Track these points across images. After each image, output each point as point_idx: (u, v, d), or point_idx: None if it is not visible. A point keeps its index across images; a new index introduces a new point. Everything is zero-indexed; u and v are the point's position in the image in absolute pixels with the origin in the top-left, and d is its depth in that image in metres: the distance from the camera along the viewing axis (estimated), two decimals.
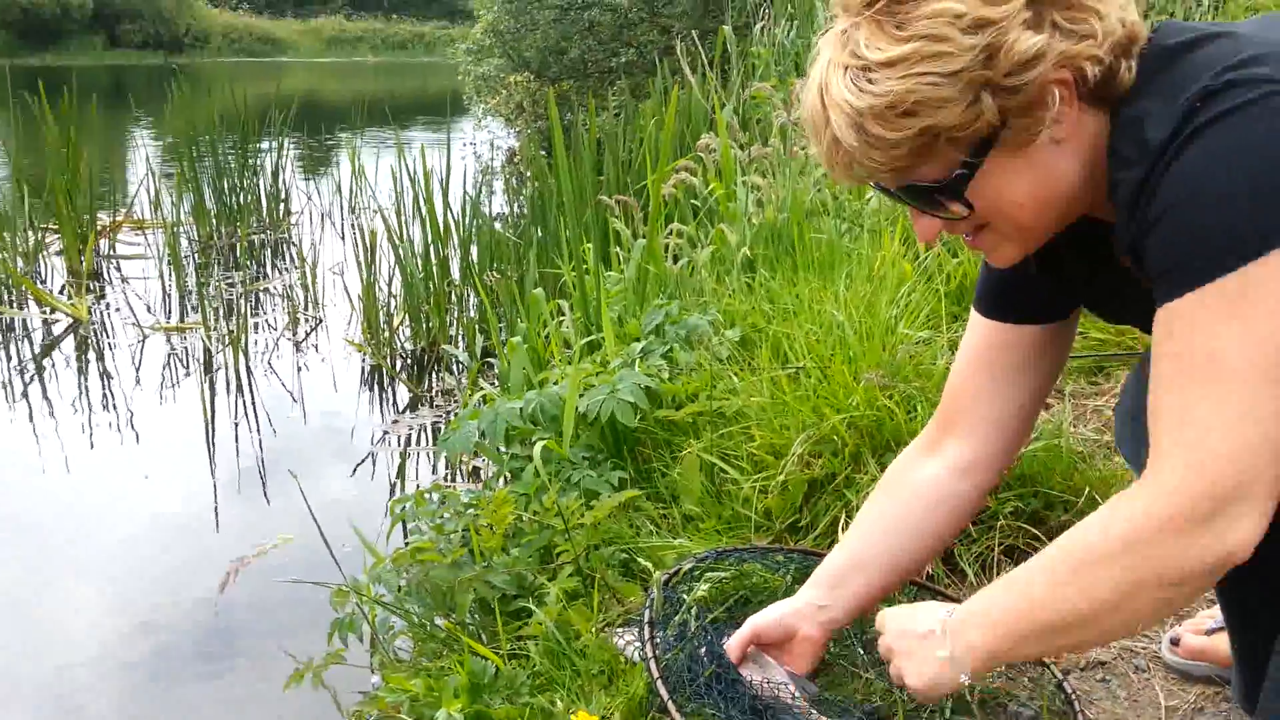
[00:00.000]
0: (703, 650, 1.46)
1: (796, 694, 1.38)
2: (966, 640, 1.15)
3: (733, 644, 1.42)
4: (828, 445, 1.97)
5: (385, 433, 3.72)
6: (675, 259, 3.21)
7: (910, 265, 2.65)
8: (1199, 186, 0.95)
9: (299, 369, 4.37)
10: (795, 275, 2.84)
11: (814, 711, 1.37)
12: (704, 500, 2.05)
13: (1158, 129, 0.99)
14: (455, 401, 3.90)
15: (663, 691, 1.34)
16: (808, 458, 1.97)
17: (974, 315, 1.36)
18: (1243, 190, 0.93)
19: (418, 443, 3.64)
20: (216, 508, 3.17)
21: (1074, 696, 1.49)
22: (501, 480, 2.31)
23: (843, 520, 1.84)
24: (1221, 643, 1.52)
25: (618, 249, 3.41)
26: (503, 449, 2.38)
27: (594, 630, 1.65)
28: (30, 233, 5.80)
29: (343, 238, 6.33)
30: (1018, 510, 1.87)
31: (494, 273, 4.02)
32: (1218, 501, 0.95)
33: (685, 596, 1.59)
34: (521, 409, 2.29)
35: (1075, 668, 1.60)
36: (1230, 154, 0.94)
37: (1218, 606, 1.57)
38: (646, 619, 1.48)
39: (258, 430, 3.73)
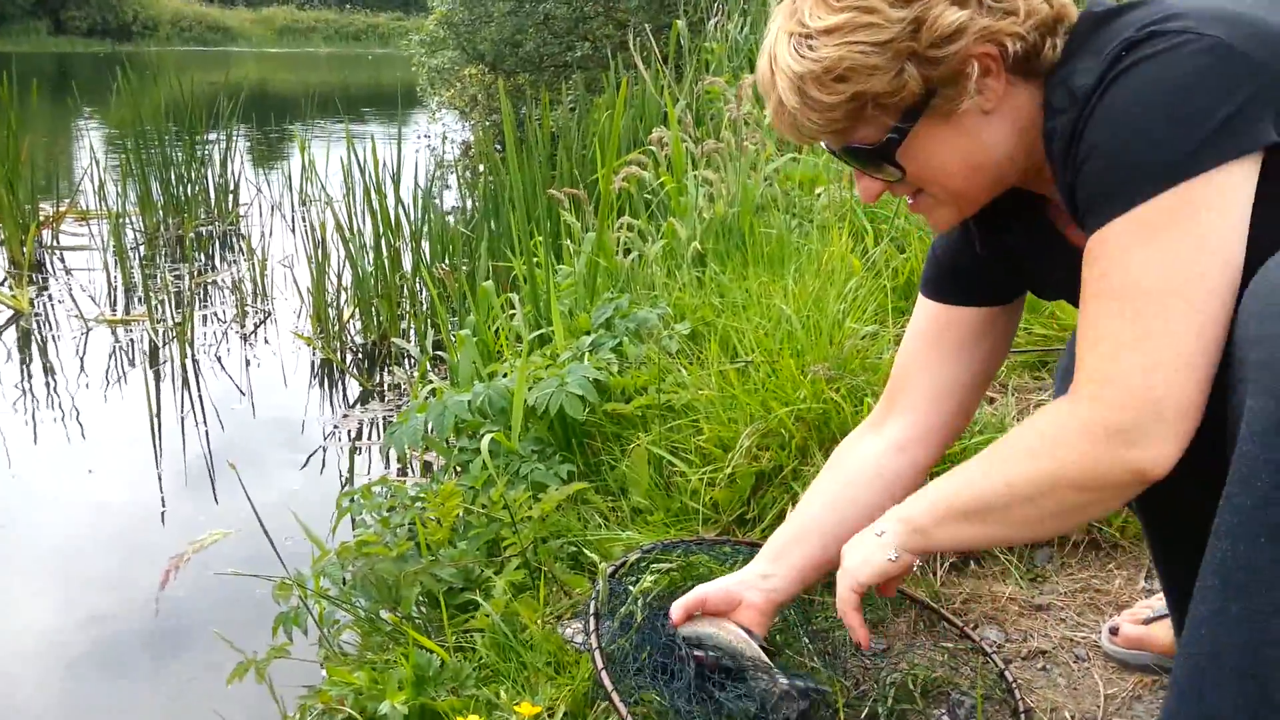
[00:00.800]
0: (647, 638, 1.47)
1: (750, 646, 1.39)
2: (899, 514, 1.23)
3: (677, 605, 1.44)
4: (775, 438, 1.98)
5: (335, 427, 3.69)
6: (626, 253, 3.21)
7: (858, 261, 2.67)
8: (1119, 120, 1.01)
9: (247, 362, 4.31)
10: (745, 270, 2.86)
11: (765, 672, 1.38)
12: (652, 493, 2.05)
13: (1085, 78, 1.05)
14: (406, 395, 3.87)
15: (606, 681, 1.35)
16: (755, 450, 1.98)
17: (920, 299, 1.42)
18: (1159, 121, 0.99)
19: (368, 437, 3.62)
20: (163, 502, 3.12)
21: (1015, 684, 1.52)
22: (450, 474, 2.30)
23: (789, 513, 1.85)
24: (1159, 632, 1.56)
25: (569, 242, 3.40)
26: (452, 441, 2.37)
27: (541, 622, 1.65)
28: None
29: (293, 230, 6.26)
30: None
31: (444, 266, 3.99)
32: (1133, 415, 0.99)
33: (632, 588, 1.60)
34: (470, 402, 2.29)
35: (1017, 657, 1.63)
36: (1148, 89, 1.00)
37: (1155, 597, 1.61)
38: (592, 610, 1.49)
39: (205, 424, 3.68)
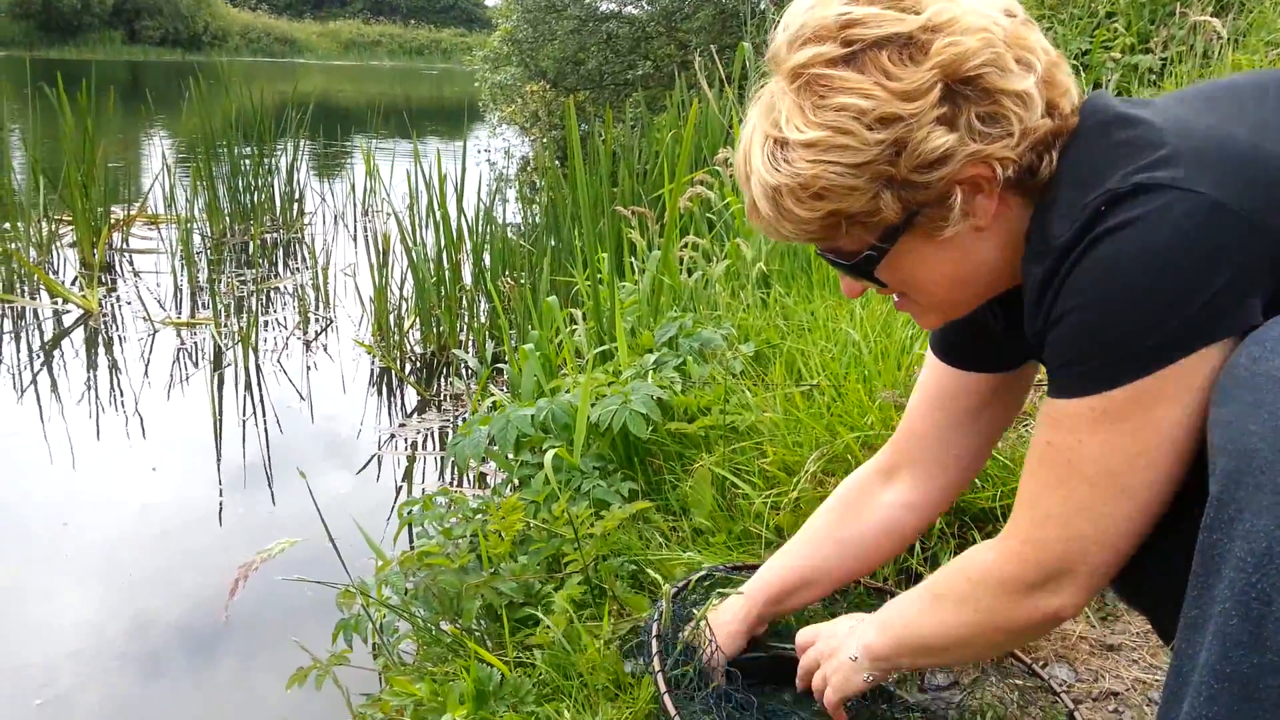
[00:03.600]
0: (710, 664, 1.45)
1: None
2: (865, 641, 1.29)
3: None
4: (841, 464, 1.96)
5: (392, 435, 3.71)
6: (690, 272, 3.20)
7: None
8: (1093, 296, 0.96)
9: (308, 368, 4.36)
10: (810, 292, 2.84)
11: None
12: (715, 514, 2.03)
13: (1062, 227, 0.99)
14: (463, 406, 3.89)
15: (669, 705, 1.33)
16: (820, 475, 1.96)
17: (929, 357, 1.38)
18: (1133, 307, 0.94)
19: (424, 446, 3.63)
20: (221, 504, 3.16)
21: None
22: (510, 487, 2.30)
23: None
24: None
25: (632, 259, 3.40)
26: (512, 456, 2.37)
27: (603, 642, 1.63)
28: (44, 223, 5.81)
29: (355, 239, 6.35)
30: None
31: (508, 279, 4.01)
32: (1046, 574, 1.07)
33: (695, 610, 1.58)
34: (533, 416, 2.29)
35: (1087, 698, 1.58)
36: (1125, 265, 0.94)
37: None
38: (654, 631, 1.47)
39: (265, 428, 3.72)
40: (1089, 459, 1.01)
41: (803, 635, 1.43)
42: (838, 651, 1.34)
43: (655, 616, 1.51)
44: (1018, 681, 1.58)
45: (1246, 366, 0.90)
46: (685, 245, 3.24)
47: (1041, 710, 1.53)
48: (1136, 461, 0.99)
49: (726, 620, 1.50)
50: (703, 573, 1.66)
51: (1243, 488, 0.87)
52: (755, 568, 1.70)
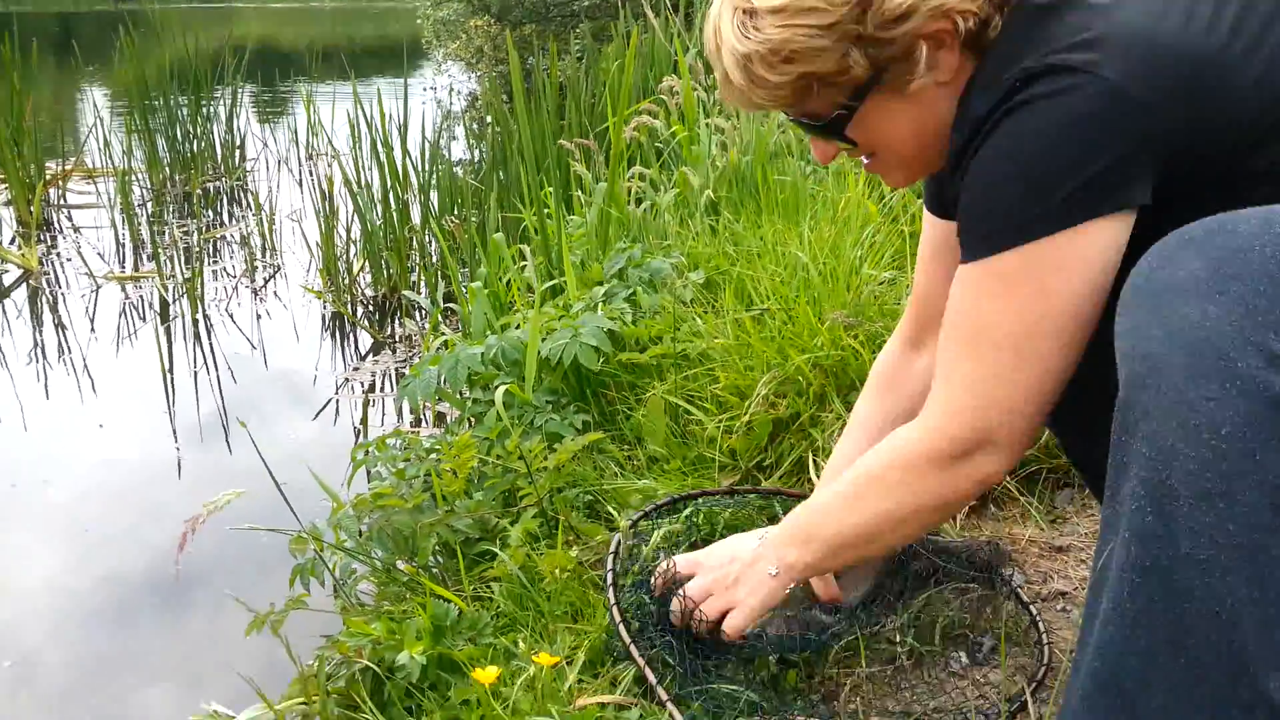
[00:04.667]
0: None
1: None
2: (787, 559, 1.29)
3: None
4: (792, 385, 1.96)
5: (347, 379, 3.68)
6: (638, 202, 3.17)
7: (875, 206, 2.63)
8: (988, 169, 1.04)
9: (258, 316, 4.30)
10: (759, 217, 2.83)
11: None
12: (669, 442, 2.04)
13: (980, 99, 1.06)
14: (417, 347, 3.86)
15: (624, 634, 1.34)
16: (772, 398, 1.96)
17: (926, 214, 1.43)
18: (1019, 179, 1.02)
19: (381, 389, 3.61)
20: (178, 457, 3.12)
21: (1038, 619, 1.51)
22: (464, 425, 2.29)
23: (811, 459, 1.84)
24: None
25: (579, 193, 3.36)
26: (465, 394, 2.36)
27: (559, 572, 1.64)
28: None
29: (300, 185, 6.22)
30: None
31: (453, 218, 3.95)
32: (968, 444, 1.11)
33: (651, 539, 1.59)
34: (483, 354, 2.27)
35: (1037, 598, 1.61)
36: (1021, 142, 1.01)
37: None
38: (610, 565, 1.48)
39: (218, 379, 3.67)
40: (992, 324, 1.06)
41: (682, 563, 1.41)
42: (744, 575, 1.32)
43: (614, 548, 1.52)
44: (965, 585, 1.61)
45: (1145, 275, 0.93)
46: (633, 176, 3.21)
47: (992, 612, 1.56)
48: (1037, 328, 1.04)
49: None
50: (664, 501, 1.66)
51: (1145, 390, 0.90)
52: (713, 493, 1.71)
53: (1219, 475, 0.85)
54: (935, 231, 1.42)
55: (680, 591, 1.37)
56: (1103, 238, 1.01)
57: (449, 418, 3.08)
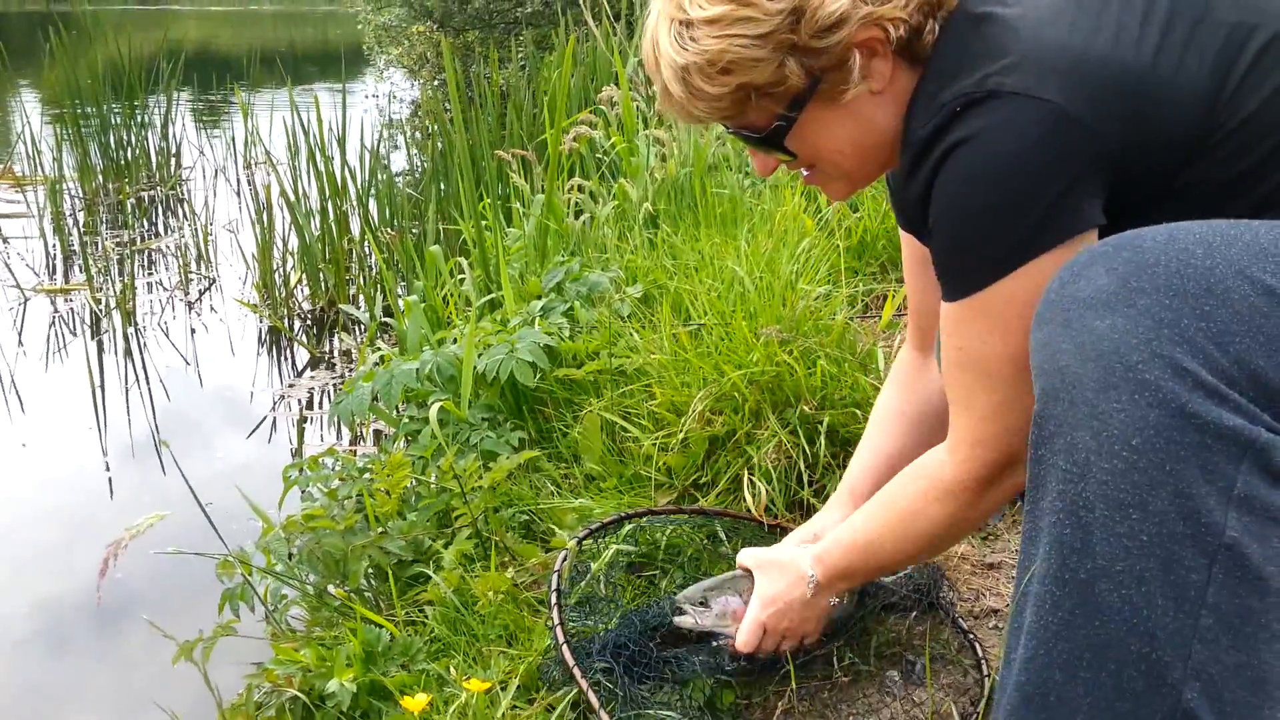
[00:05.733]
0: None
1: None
2: (831, 571, 1.34)
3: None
4: (728, 402, 1.96)
5: (283, 395, 3.62)
6: (577, 215, 3.16)
7: (811, 221, 2.65)
8: (951, 213, 1.07)
9: (192, 330, 4.21)
10: (698, 231, 2.83)
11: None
12: (605, 459, 2.03)
13: (920, 120, 1.09)
14: (355, 362, 3.81)
15: (567, 656, 1.33)
16: (709, 415, 1.96)
17: (901, 232, 1.48)
18: (986, 214, 1.04)
19: (318, 405, 3.55)
20: (109, 476, 3.05)
21: (970, 634, 1.53)
22: (399, 444, 2.26)
23: (746, 477, 1.84)
24: None
25: (519, 205, 3.34)
26: (401, 410, 2.33)
27: (494, 594, 1.62)
28: None
29: (238, 194, 6.12)
30: None
31: (390, 230, 3.91)
32: (1001, 466, 1.14)
33: (592, 564, 1.58)
34: (418, 369, 2.24)
35: (969, 615, 1.63)
36: (978, 173, 1.03)
37: None
38: (554, 585, 1.47)
39: (150, 395, 3.59)
40: (989, 356, 1.08)
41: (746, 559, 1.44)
42: (810, 614, 1.38)
43: (556, 569, 1.51)
44: (900, 604, 1.62)
45: (1056, 291, 0.95)
46: (572, 188, 3.20)
47: (925, 631, 1.58)
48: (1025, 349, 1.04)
49: (822, 522, 1.50)
50: (611, 519, 1.65)
51: (1059, 403, 0.92)
52: (658, 512, 1.70)
53: (1131, 485, 0.87)
54: (912, 248, 1.46)
55: (692, 603, 1.42)
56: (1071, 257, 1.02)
57: (387, 437, 3.05)
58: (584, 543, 1.59)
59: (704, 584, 1.44)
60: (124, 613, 2.40)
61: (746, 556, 1.43)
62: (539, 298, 2.54)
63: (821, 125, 1.15)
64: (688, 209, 3.02)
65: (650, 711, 1.32)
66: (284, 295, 4.36)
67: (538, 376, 2.19)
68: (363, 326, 4.09)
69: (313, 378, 3.75)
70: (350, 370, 3.74)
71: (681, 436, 1.93)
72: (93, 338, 4.12)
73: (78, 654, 2.30)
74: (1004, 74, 1.01)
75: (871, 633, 1.56)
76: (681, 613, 1.42)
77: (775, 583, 1.37)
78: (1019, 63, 1.02)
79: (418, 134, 7.70)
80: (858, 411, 1.92)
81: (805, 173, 1.25)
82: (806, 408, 1.91)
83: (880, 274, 2.83)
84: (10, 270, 4.88)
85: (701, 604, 1.42)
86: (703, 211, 2.92)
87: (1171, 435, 0.86)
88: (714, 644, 1.42)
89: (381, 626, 1.60)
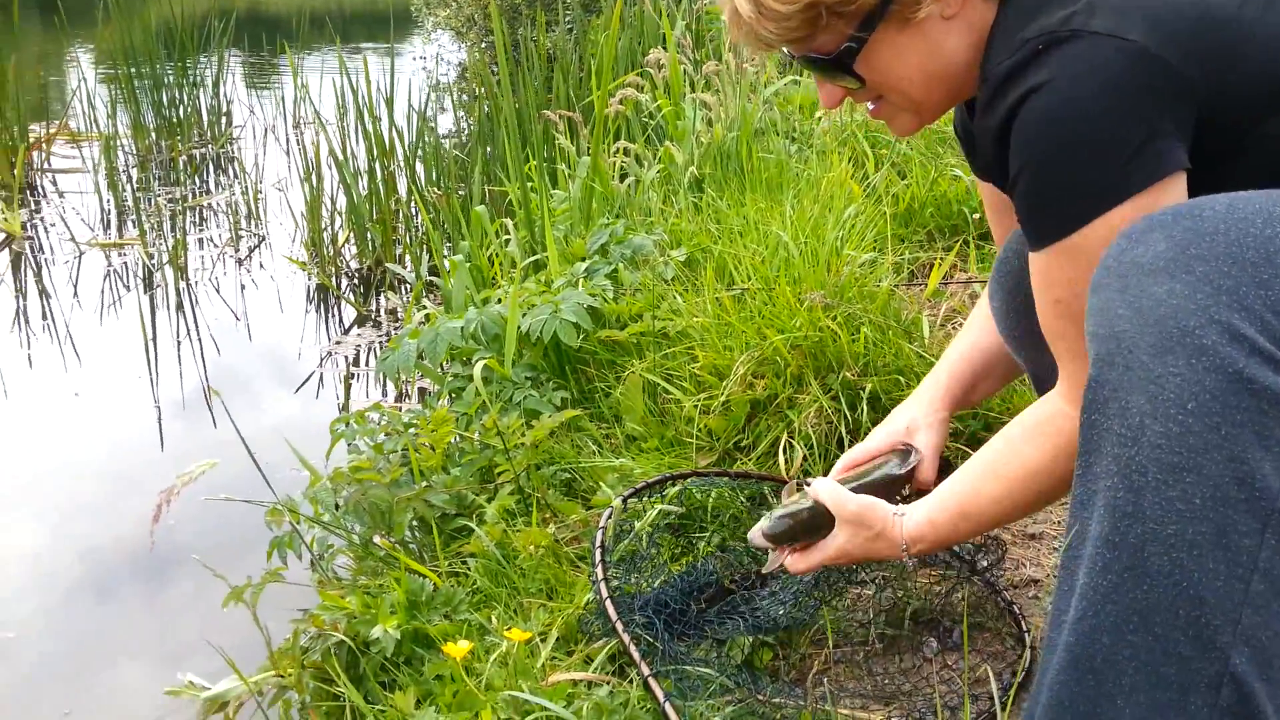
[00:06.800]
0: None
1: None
2: (919, 546, 1.30)
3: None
4: (770, 366, 1.97)
5: (330, 352, 3.67)
6: (622, 178, 3.16)
7: (858, 186, 2.63)
8: (1032, 159, 1.04)
9: (242, 287, 4.28)
10: (743, 196, 2.82)
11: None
12: (647, 420, 2.05)
13: (1000, 56, 1.06)
14: (401, 321, 3.85)
15: (610, 610, 1.35)
16: (750, 378, 1.97)
17: (979, 181, 1.47)
18: (1070, 162, 1.01)
19: (364, 362, 3.60)
20: (160, 427, 3.12)
21: (1012, 604, 1.53)
22: (443, 400, 2.29)
23: (786, 441, 1.85)
24: None
25: (564, 167, 3.35)
26: (445, 368, 2.36)
27: (535, 548, 1.65)
28: None
29: (287, 153, 6.17)
30: (957, 432, 1.89)
31: (437, 190, 3.93)
32: None
33: (636, 523, 1.60)
34: (463, 328, 2.27)
35: (1010, 585, 1.63)
36: (1065, 114, 1.00)
37: None
38: (599, 541, 1.49)
39: (201, 349, 3.66)
40: (1083, 296, 1.03)
41: (826, 494, 1.36)
42: (873, 550, 1.33)
43: (600, 525, 1.53)
44: (940, 571, 1.63)
45: (1114, 257, 0.94)
46: (617, 150, 3.19)
47: (964, 598, 1.58)
48: None
49: (921, 415, 1.47)
50: (655, 479, 1.67)
51: (1114, 368, 0.92)
52: (703, 474, 1.71)
53: (1185, 449, 0.87)
54: (992, 196, 1.45)
55: (776, 519, 1.37)
56: (1164, 200, 1.00)
57: (430, 393, 3.09)
58: (627, 501, 1.61)
59: (779, 513, 1.38)
60: (172, 559, 2.46)
61: (829, 495, 1.35)
62: (583, 259, 2.56)
63: (892, 49, 1.14)
64: (733, 173, 3.01)
65: (688, 667, 1.34)
66: (332, 254, 4.41)
67: (581, 337, 2.21)
68: (409, 286, 4.13)
69: (359, 335, 3.80)
70: (396, 328, 3.79)
71: (723, 399, 1.94)
72: (145, 292, 4.20)
73: (127, 599, 2.36)
74: (1088, 14, 1.00)
75: (909, 598, 1.57)
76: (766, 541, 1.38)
77: (862, 544, 1.33)
78: (1103, 3, 1.01)
79: (464, 96, 7.71)
80: (900, 379, 1.92)
81: (871, 106, 1.24)
82: (849, 374, 1.91)
83: (927, 242, 2.81)
84: (66, 224, 4.98)
85: (775, 536, 1.37)
86: (748, 176, 2.91)
87: (1227, 400, 0.85)
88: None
89: (425, 577, 1.63)
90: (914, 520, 1.29)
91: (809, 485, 1.38)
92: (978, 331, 1.51)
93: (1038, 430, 1.19)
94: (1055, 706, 0.96)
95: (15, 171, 5.44)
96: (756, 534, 1.38)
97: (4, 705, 1.99)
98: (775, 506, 1.40)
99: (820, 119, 3.14)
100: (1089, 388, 0.95)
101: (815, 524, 1.36)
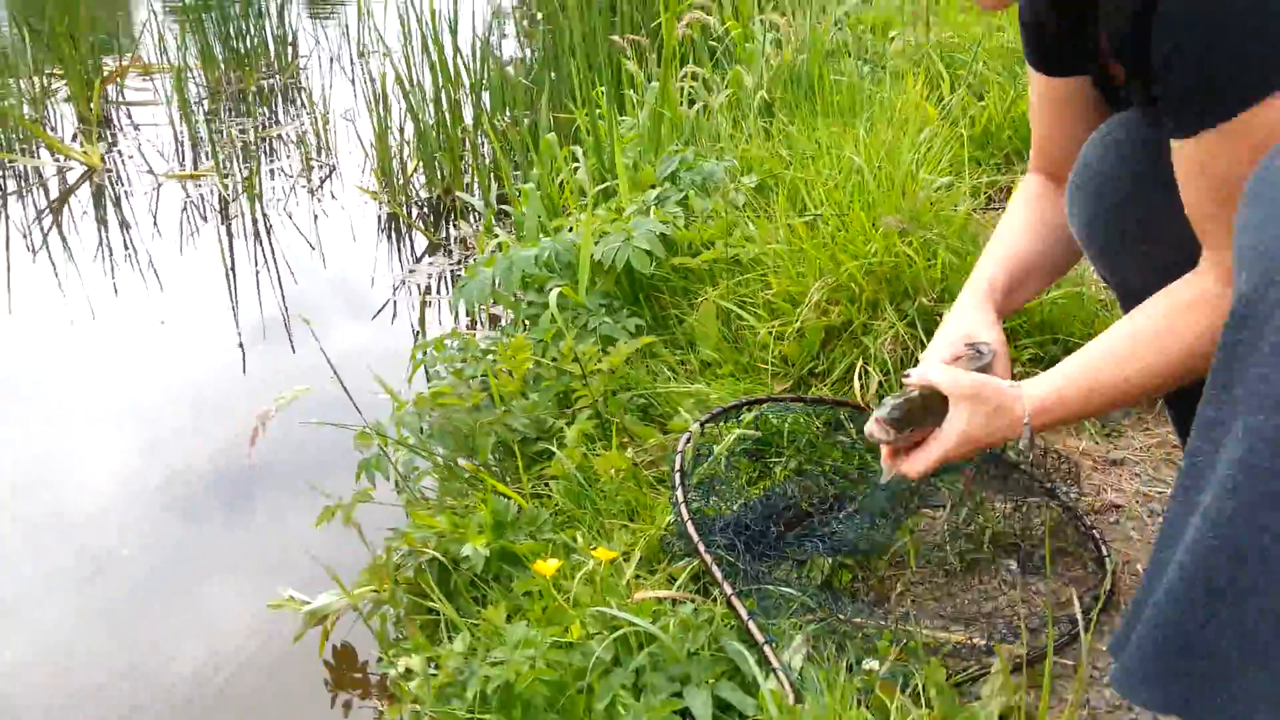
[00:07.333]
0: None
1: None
2: (1042, 419, 1.24)
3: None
4: (845, 292, 1.97)
5: (403, 280, 3.74)
6: (690, 103, 3.14)
7: (933, 109, 2.59)
8: (1198, 31, 0.98)
9: (315, 216, 4.35)
10: (814, 120, 2.79)
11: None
12: (721, 346, 2.07)
13: None
14: (472, 249, 3.89)
15: (691, 531, 1.39)
16: (825, 305, 1.97)
17: (1032, 72, 1.39)
18: (1245, 32, 0.95)
19: (436, 290, 3.66)
20: (241, 354, 3.22)
21: (1093, 529, 1.54)
22: (518, 327, 2.33)
23: (861, 367, 1.86)
24: None
25: (631, 92, 3.33)
26: (519, 296, 2.40)
27: (615, 472, 1.69)
28: (35, 78, 5.69)
29: (351, 82, 6.20)
30: (1036, 357, 1.89)
31: (505, 118, 3.94)
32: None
33: (715, 448, 1.63)
34: (536, 256, 2.30)
35: (1090, 511, 1.64)
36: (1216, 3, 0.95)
37: None
38: (678, 465, 1.52)
39: (278, 278, 3.75)
40: (1244, 178, 1.00)
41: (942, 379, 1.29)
42: (994, 442, 1.27)
43: (678, 450, 1.56)
44: (1019, 497, 1.64)
45: (1271, 169, 0.91)
46: (685, 75, 3.16)
47: (1043, 523, 1.59)
48: None
49: (980, 320, 1.40)
50: (732, 404, 1.70)
51: (1274, 287, 0.88)
52: (779, 399, 1.73)
53: None
54: (1047, 89, 1.38)
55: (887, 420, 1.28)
56: None
57: (502, 319, 3.14)
58: (704, 426, 1.65)
59: (891, 402, 1.30)
60: (256, 480, 2.56)
61: (941, 373, 1.29)
62: (653, 186, 2.56)
63: None
64: (804, 97, 2.97)
65: (770, 586, 1.38)
66: (401, 183, 4.45)
67: (653, 265, 2.23)
68: (478, 214, 4.17)
69: (430, 263, 3.85)
70: (466, 257, 3.83)
71: (798, 325, 1.96)
72: (222, 223, 4.29)
73: (219, 519, 2.46)
74: None
75: (987, 521, 1.58)
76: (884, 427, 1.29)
77: (983, 423, 1.26)
78: None
79: (526, 22, 7.64)
80: None
81: None
82: (925, 300, 1.91)
83: (1005, 165, 2.76)
84: (144, 156, 5.08)
85: (894, 421, 1.28)
86: (820, 99, 2.87)
87: None
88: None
89: (509, 498, 1.69)
90: (1038, 392, 1.23)
91: (909, 377, 1.32)
92: (1018, 238, 1.44)
93: (1192, 308, 1.13)
94: (1163, 626, 0.95)
95: (92, 105, 5.55)
96: (874, 426, 1.29)
97: (120, 618, 2.10)
98: (876, 407, 1.31)
99: (893, 39, 3.08)
100: (1237, 305, 0.91)
101: (930, 405, 1.28)
